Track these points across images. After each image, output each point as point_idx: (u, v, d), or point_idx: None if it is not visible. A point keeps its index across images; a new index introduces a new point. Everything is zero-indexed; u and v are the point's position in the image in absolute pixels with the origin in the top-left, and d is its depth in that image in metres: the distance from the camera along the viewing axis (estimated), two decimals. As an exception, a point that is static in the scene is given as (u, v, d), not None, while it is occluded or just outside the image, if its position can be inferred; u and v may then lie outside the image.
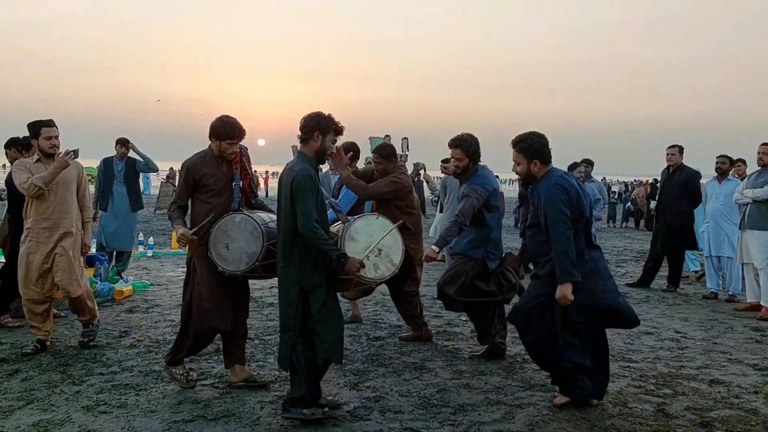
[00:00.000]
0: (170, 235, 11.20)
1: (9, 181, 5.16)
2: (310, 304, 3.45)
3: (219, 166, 3.95)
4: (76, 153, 4.62)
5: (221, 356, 4.65)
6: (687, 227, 7.72)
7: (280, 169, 4.91)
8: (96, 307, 4.97)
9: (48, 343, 4.76)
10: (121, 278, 7.26)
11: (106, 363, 4.47)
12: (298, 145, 3.67)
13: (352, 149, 5.49)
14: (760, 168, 6.59)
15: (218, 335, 4.09)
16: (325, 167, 5.75)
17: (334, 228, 3.81)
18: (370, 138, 6.36)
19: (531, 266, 4.16)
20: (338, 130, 3.63)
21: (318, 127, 3.54)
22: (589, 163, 8.69)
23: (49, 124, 4.67)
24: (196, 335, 3.94)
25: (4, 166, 41.14)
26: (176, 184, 4.04)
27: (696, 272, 8.87)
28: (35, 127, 4.66)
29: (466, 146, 4.53)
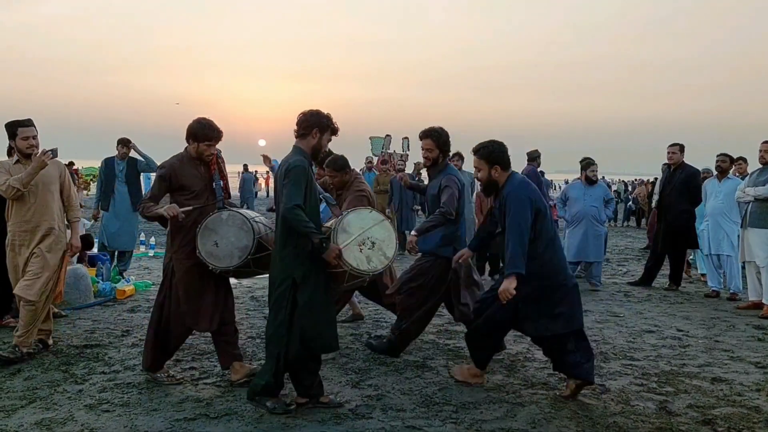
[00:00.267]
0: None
1: None
2: (301, 296, 3.48)
3: (197, 168, 4.01)
4: (54, 152, 4.47)
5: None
6: (688, 226, 7.72)
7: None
8: (33, 334, 4.50)
9: (49, 342, 4.76)
10: (123, 278, 7.28)
11: (108, 362, 4.48)
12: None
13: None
14: (761, 166, 6.58)
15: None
16: None
17: (328, 223, 3.81)
18: (370, 138, 6.36)
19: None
20: (335, 131, 3.69)
21: (317, 124, 3.59)
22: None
23: (26, 123, 4.52)
24: (169, 336, 4.01)
25: None
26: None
27: (704, 274, 8.84)
28: (12, 127, 4.50)
29: (436, 137, 4.48)
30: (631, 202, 19.75)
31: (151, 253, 10.15)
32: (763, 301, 6.43)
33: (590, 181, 7.98)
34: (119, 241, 7.80)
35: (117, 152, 7.81)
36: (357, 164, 14.01)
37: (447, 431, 3.38)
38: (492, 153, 3.90)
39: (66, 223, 4.77)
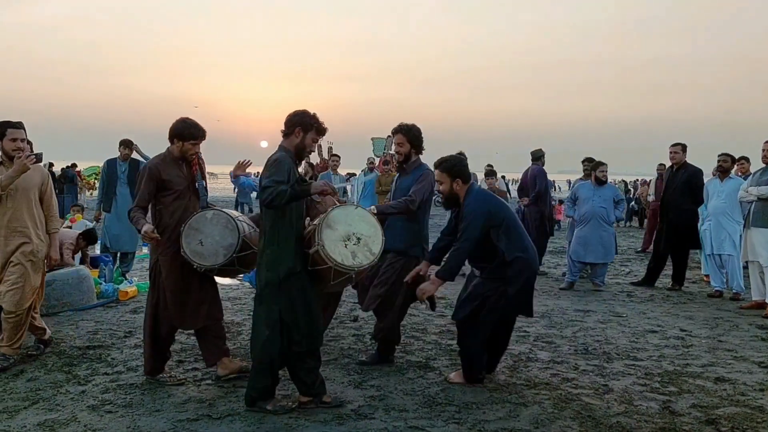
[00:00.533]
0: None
1: None
2: (284, 295, 3.49)
3: (180, 168, 4.07)
4: (38, 157, 4.38)
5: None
6: (691, 226, 7.70)
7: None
8: (20, 341, 4.40)
9: (46, 337, 4.68)
10: (126, 279, 7.29)
11: (111, 363, 4.48)
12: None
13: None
14: (765, 165, 6.56)
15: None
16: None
17: (314, 220, 3.79)
18: (372, 139, 6.34)
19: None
20: (320, 130, 3.71)
21: (300, 123, 3.63)
22: (591, 161, 8.68)
23: (17, 126, 4.38)
24: (158, 336, 4.04)
25: None
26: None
27: (707, 275, 8.82)
28: (1, 127, 4.35)
29: (406, 131, 4.46)
30: (633, 203, 19.72)
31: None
32: (767, 300, 6.42)
33: (600, 182, 7.97)
34: (121, 243, 7.80)
35: (119, 153, 7.82)
36: (359, 165, 14.01)
37: (450, 431, 3.38)
38: (454, 167, 4.05)
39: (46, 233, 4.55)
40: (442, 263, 4.16)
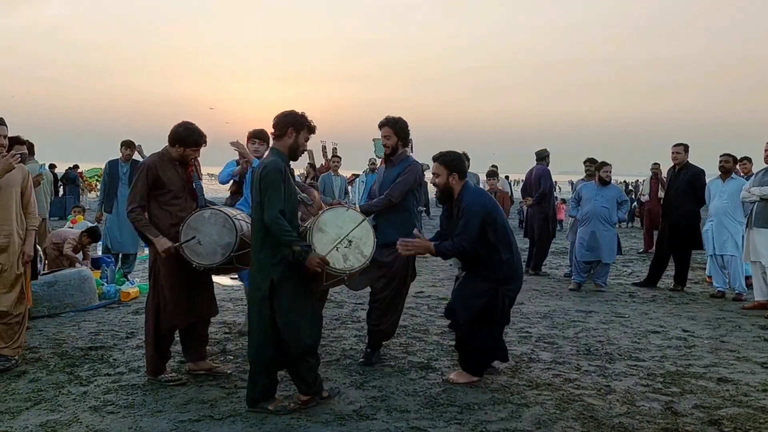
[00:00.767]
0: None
1: None
2: (277, 299, 3.49)
3: (176, 169, 4.09)
4: (23, 156, 4.34)
5: (226, 356, 4.68)
6: (693, 226, 7.69)
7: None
8: (21, 340, 4.39)
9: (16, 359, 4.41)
10: (127, 280, 7.30)
11: (113, 364, 4.48)
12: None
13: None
14: (767, 165, 6.55)
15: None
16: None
17: (306, 222, 3.79)
18: (374, 140, 6.33)
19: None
20: (311, 128, 3.71)
21: (292, 124, 3.62)
22: (593, 162, 8.68)
23: None
24: (159, 335, 4.05)
25: None
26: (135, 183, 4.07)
27: (710, 276, 8.79)
28: None
29: (393, 123, 4.49)
30: (635, 203, 19.69)
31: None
32: (769, 301, 6.41)
33: (603, 182, 7.96)
34: (123, 244, 7.81)
35: (121, 154, 7.82)
36: (360, 166, 14.00)
37: (451, 432, 3.38)
38: (452, 161, 4.10)
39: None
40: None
